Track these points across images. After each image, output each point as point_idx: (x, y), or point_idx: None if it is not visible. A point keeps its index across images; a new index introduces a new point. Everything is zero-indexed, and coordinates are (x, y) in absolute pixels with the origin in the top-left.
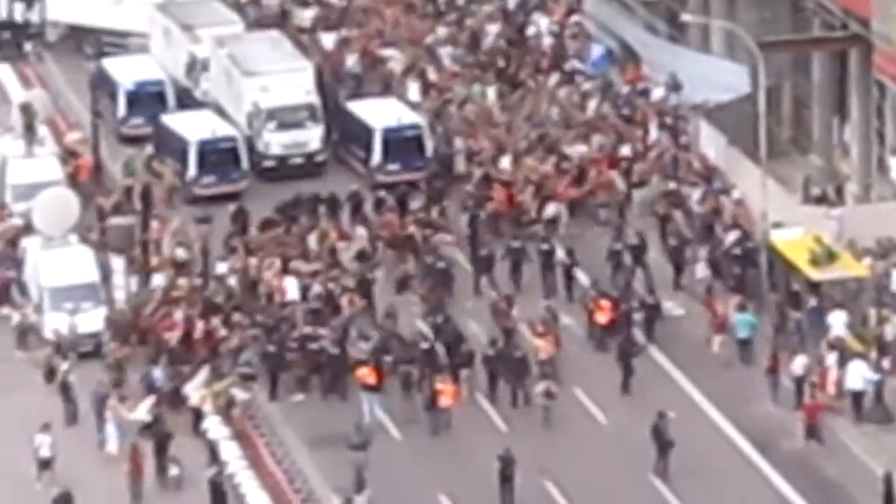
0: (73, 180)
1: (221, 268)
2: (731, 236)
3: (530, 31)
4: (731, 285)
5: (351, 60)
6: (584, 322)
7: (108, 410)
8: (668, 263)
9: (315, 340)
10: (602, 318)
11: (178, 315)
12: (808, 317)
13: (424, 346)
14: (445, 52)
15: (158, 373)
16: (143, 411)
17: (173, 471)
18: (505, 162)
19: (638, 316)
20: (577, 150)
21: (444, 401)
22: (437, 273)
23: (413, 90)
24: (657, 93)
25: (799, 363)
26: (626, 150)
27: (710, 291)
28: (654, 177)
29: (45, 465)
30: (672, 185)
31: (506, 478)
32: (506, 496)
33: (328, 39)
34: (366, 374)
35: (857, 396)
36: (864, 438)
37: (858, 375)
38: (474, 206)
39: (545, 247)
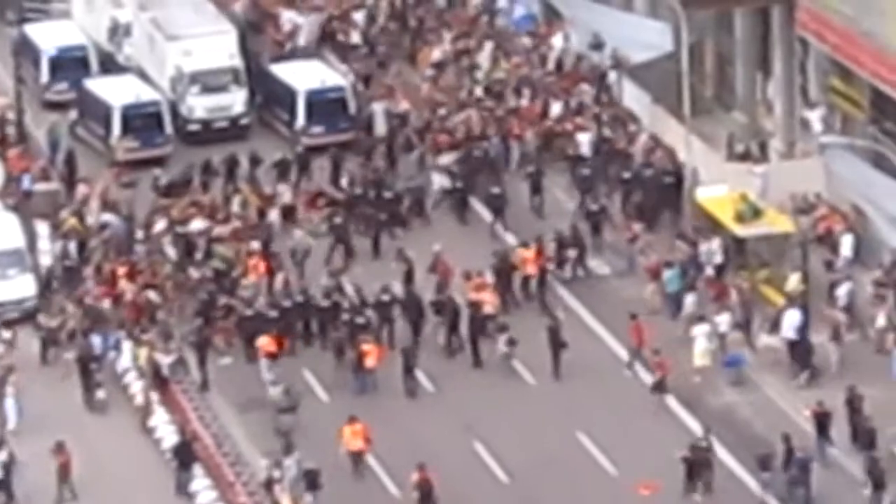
0: None
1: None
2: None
3: None
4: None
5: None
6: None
7: (8, 386)
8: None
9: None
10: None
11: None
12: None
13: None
14: (360, 18)
15: (97, 340)
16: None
17: (100, 394)
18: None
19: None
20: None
21: (370, 362)
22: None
23: (331, 59)
24: (556, 41)
25: (724, 319)
26: (556, 108)
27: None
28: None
29: None
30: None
31: (408, 368)
32: (408, 384)
33: None
34: (266, 343)
35: (792, 346)
36: (790, 393)
37: (792, 324)
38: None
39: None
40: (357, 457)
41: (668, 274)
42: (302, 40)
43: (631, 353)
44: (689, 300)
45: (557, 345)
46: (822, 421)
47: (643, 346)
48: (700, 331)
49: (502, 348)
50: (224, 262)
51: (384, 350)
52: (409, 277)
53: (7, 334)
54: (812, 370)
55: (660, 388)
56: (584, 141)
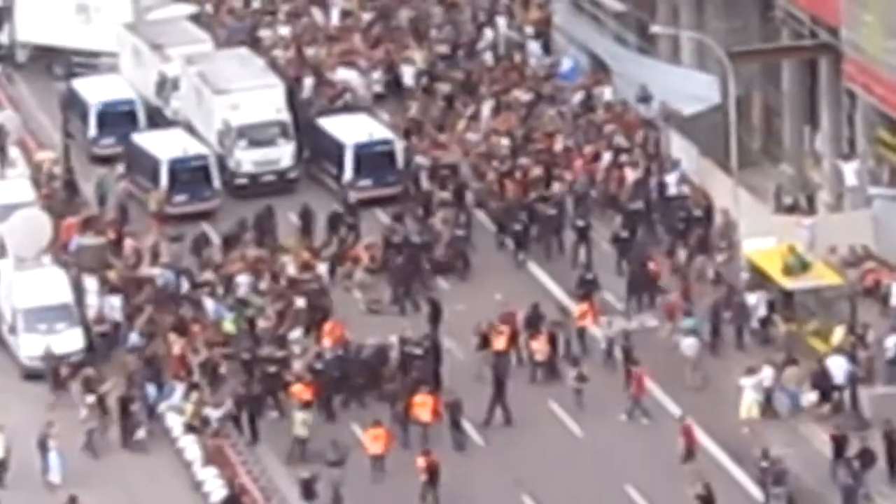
0: (46, 201)
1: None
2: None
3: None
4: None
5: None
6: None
7: (51, 440)
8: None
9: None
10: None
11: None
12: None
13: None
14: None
15: (152, 389)
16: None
17: (140, 433)
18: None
19: None
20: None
21: (422, 415)
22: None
23: (383, 115)
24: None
25: (769, 374)
26: (607, 156)
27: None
28: None
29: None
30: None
31: (454, 422)
32: (456, 438)
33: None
34: (300, 390)
35: (824, 395)
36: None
37: (838, 370)
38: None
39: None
40: (377, 460)
41: (686, 321)
42: (357, 96)
43: (630, 401)
44: (687, 343)
45: (630, 361)
46: (839, 444)
47: (642, 393)
48: (747, 382)
49: (573, 384)
50: (258, 312)
51: (436, 404)
52: (434, 320)
53: (90, 399)
54: (861, 421)
55: (689, 456)
56: (631, 176)
